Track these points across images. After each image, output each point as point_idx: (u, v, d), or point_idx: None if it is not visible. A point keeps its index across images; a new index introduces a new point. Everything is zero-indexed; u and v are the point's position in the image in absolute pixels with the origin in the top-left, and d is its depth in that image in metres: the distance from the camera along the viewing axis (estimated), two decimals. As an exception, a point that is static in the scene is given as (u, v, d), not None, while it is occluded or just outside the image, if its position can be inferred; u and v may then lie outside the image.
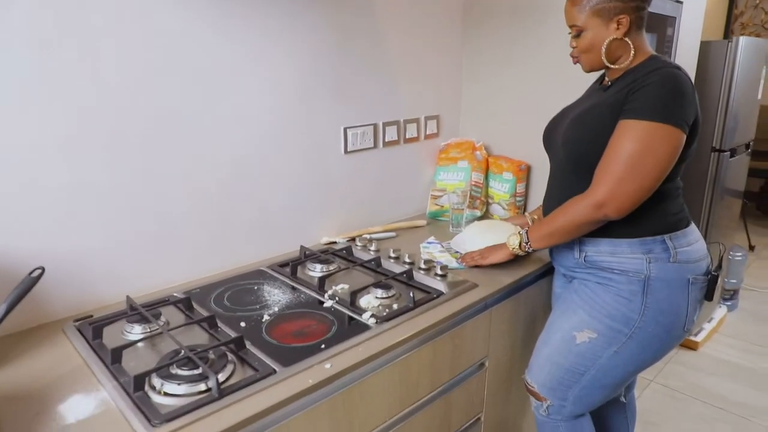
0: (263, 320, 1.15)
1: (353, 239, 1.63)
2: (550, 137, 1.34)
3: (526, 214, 1.63)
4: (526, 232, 1.27)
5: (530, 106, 1.83)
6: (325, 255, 1.47)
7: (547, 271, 1.45)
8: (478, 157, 1.90)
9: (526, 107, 1.85)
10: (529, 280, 1.42)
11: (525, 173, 1.86)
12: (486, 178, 1.93)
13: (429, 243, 1.54)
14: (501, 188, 1.86)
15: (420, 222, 1.82)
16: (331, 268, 1.41)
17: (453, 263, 1.42)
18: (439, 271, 1.35)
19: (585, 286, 1.24)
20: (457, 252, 1.49)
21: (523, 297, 1.43)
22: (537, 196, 1.84)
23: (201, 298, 1.25)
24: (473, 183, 1.87)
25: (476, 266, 1.39)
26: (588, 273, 1.23)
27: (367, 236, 1.64)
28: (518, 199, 1.86)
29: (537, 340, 1.33)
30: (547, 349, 1.27)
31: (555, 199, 1.31)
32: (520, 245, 1.29)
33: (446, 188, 1.88)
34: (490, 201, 1.93)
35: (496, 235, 1.49)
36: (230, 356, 1.01)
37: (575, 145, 1.18)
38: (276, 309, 1.20)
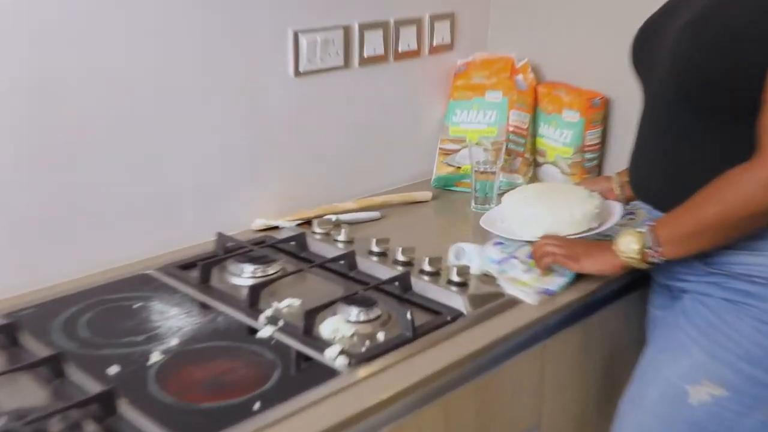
0: (151, 362, 1.13)
1: (308, 222, 1.62)
2: (646, 51, 1.31)
3: (613, 175, 1.59)
4: (652, 230, 1.23)
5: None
6: (260, 249, 1.46)
7: (638, 280, 1.43)
8: (519, 85, 1.87)
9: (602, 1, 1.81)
10: (608, 295, 1.42)
11: (601, 112, 1.84)
12: (534, 120, 1.89)
13: (499, 261, 1.39)
14: (559, 137, 1.84)
15: (422, 195, 1.79)
16: (271, 271, 1.40)
17: (562, 280, 1.34)
18: (455, 277, 1.34)
19: (704, 306, 1.24)
20: (513, 243, 1.42)
21: (598, 323, 1.43)
22: (622, 152, 1.77)
23: (36, 325, 1.23)
24: (512, 128, 1.84)
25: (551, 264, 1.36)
26: (710, 284, 1.24)
27: (333, 217, 1.63)
28: (588, 156, 1.84)
29: (622, 397, 1.32)
30: (638, 414, 1.26)
31: (653, 159, 1.29)
32: (641, 252, 1.23)
33: (466, 137, 1.85)
34: (540, 159, 1.90)
35: (556, 206, 1.45)
36: (90, 427, 0.97)
37: (699, 63, 1.17)
38: (174, 342, 1.19)
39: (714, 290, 1.23)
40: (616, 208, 1.52)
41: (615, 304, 1.44)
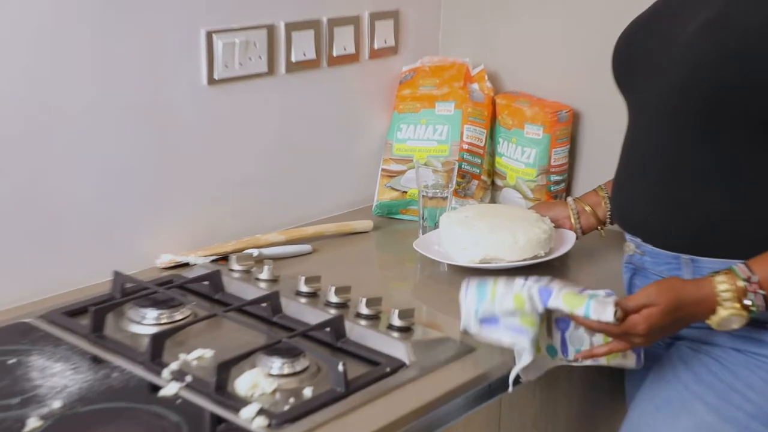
0: (28, 430, 1.11)
1: (224, 258, 1.62)
2: (637, 60, 1.35)
3: (569, 201, 1.65)
4: (749, 268, 1.19)
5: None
6: (166, 290, 1.46)
7: None
8: (475, 96, 1.90)
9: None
10: None
11: (568, 127, 1.87)
12: (492, 136, 1.92)
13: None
14: (521, 157, 1.87)
15: (361, 224, 1.81)
16: (179, 316, 1.40)
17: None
18: (396, 321, 1.35)
19: (709, 357, 1.28)
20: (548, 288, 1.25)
21: (566, 373, 1.42)
22: (593, 174, 1.84)
23: None
24: (466, 146, 1.87)
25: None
26: (715, 330, 1.24)
27: (254, 252, 1.63)
28: (555, 178, 1.87)
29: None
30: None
31: (646, 186, 1.32)
32: (737, 295, 1.17)
33: (413, 156, 1.87)
34: (499, 182, 1.93)
35: (499, 228, 1.50)
36: None
37: (724, 71, 1.20)
38: (57, 405, 1.17)
39: (720, 338, 1.26)
40: (569, 238, 1.58)
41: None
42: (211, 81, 1.64)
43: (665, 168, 1.29)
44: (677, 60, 1.25)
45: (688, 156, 1.26)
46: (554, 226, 1.59)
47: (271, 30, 1.71)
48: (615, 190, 1.41)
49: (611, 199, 1.44)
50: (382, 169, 1.90)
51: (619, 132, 1.41)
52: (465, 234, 1.53)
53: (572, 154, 1.90)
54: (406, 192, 1.86)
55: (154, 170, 1.59)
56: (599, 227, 1.61)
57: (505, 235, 1.51)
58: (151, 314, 1.37)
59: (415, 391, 1.22)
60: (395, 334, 1.32)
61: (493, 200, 1.93)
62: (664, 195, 1.30)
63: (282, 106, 1.77)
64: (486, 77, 1.93)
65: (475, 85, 1.91)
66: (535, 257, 1.52)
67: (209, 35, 1.62)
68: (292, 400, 1.16)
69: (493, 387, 1.30)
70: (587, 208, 1.60)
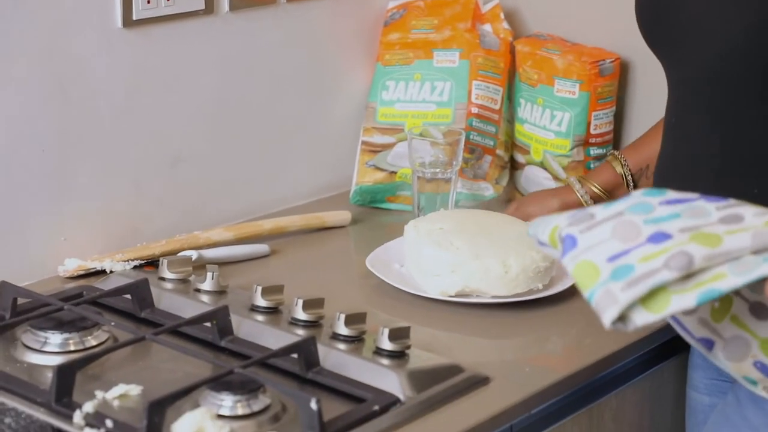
0: None
1: (153, 263, 1.65)
2: (675, 14, 1.37)
3: (572, 180, 1.70)
4: None
5: None
6: (72, 307, 1.45)
7: (670, 345, 1.50)
8: (486, 41, 1.93)
9: None
10: (622, 371, 1.48)
11: (613, 82, 1.90)
12: (509, 96, 1.96)
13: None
14: (550, 123, 1.90)
15: (335, 216, 1.84)
16: (93, 341, 1.41)
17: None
18: (386, 344, 1.36)
19: None
20: None
21: (609, 412, 1.49)
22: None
23: None
24: (476, 110, 1.90)
25: None
26: None
27: (193, 254, 1.66)
28: (596, 151, 1.90)
29: None
30: None
31: (696, 161, 1.36)
32: None
33: (404, 124, 1.90)
34: (520, 158, 1.96)
35: (484, 249, 1.50)
36: None
37: None
38: None
39: None
40: None
41: (633, 384, 1.50)
42: (129, 23, 1.64)
43: (714, 138, 1.32)
44: (727, 16, 1.29)
45: (746, 125, 1.31)
46: None
47: (208, -47, 1.72)
48: (659, 165, 1.45)
49: (656, 176, 1.46)
50: (363, 142, 1.91)
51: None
52: (438, 256, 1.54)
53: (618, 119, 1.92)
54: (395, 173, 1.89)
55: (53, 146, 1.60)
56: None
57: (492, 261, 1.51)
58: (55, 339, 1.38)
59: (412, 436, 1.23)
60: (385, 361, 1.34)
61: (512, 182, 1.95)
62: (724, 190, 1.29)
63: (225, 56, 1.78)
64: (502, 15, 1.95)
65: (488, 27, 1.93)
66: (530, 291, 1.51)
67: (124, -39, 1.62)
68: (247, 450, 1.19)
69: (515, 430, 1.33)
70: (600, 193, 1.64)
